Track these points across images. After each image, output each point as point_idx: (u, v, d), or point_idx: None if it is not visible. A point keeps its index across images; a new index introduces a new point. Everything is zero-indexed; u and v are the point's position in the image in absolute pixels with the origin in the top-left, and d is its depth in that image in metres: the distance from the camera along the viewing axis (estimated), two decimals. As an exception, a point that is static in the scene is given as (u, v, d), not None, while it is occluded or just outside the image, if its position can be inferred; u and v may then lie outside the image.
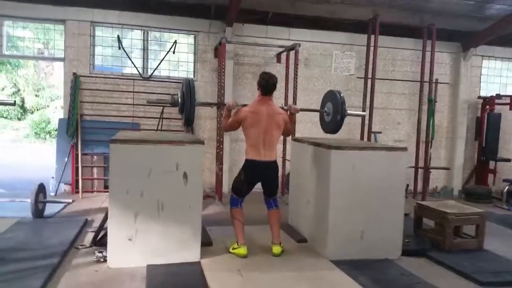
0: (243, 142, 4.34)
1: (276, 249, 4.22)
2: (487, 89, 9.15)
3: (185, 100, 4.08)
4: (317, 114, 7.91)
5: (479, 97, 8.88)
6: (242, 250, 4.14)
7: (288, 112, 4.49)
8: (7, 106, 15.75)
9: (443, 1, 7.30)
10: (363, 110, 7.85)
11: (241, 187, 4.30)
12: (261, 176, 4.30)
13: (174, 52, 7.47)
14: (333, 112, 4.67)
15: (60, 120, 7.35)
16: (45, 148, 14.77)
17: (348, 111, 4.63)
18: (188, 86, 4.10)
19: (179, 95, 4.27)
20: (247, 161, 4.27)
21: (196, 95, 7.43)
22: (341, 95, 4.61)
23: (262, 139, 4.17)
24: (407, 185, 7.89)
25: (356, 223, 4.27)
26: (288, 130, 4.48)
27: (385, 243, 4.34)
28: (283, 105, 5.57)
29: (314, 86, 8.16)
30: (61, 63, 7.40)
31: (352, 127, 8.31)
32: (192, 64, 7.83)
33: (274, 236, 4.30)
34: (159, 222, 3.89)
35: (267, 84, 4.21)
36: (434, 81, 8.17)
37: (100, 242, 4.31)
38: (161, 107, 7.30)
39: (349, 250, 4.24)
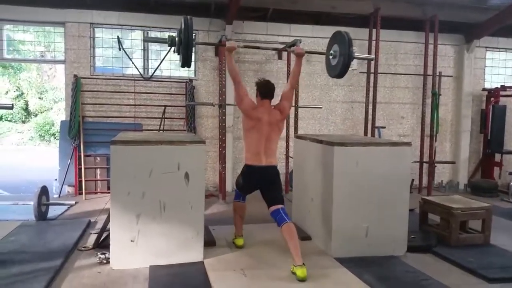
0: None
1: (301, 272, 3.55)
2: (492, 81, 9.05)
3: (183, 39, 3.76)
4: (320, 111, 7.99)
5: (484, 89, 8.79)
6: (238, 241, 4.37)
7: (295, 54, 4.25)
8: (6, 110, 15.86)
9: (445, -8, 7.23)
10: (366, 105, 7.79)
11: (241, 188, 4.27)
12: (261, 181, 4.02)
13: (174, 52, 7.42)
14: (339, 54, 4.26)
15: (62, 122, 7.35)
16: (50, 150, 14.82)
17: (356, 54, 4.31)
18: (186, 25, 3.78)
19: (176, 34, 3.98)
20: (246, 166, 4.08)
21: (198, 94, 7.56)
22: (349, 36, 4.20)
23: (263, 147, 3.99)
24: (412, 180, 7.82)
25: (360, 220, 4.22)
26: (295, 80, 4.27)
27: (390, 239, 4.29)
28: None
29: (316, 82, 8.10)
30: (63, 65, 7.38)
31: (355, 122, 8.26)
32: (193, 63, 7.78)
33: (295, 257, 3.65)
34: (161, 223, 3.87)
35: (265, 87, 4.12)
36: (437, 74, 8.08)
37: (103, 243, 4.30)
38: (163, 107, 7.28)
39: (353, 247, 4.20)
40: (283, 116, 4.15)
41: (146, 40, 4.50)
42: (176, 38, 3.93)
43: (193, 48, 4.04)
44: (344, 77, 8.00)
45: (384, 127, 8.12)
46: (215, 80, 7.60)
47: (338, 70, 4.30)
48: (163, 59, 7.44)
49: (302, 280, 3.54)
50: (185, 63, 3.99)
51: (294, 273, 3.64)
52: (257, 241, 4.48)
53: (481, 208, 4.80)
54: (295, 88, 4.41)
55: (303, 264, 3.61)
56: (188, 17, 3.89)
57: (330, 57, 4.43)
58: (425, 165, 8.11)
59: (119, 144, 3.86)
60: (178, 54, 3.98)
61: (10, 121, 19.07)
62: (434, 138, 8.08)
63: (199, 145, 4.03)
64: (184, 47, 3.82)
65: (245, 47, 6.62)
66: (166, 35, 7.78)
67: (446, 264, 4.16)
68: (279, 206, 3.91)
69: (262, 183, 4.04)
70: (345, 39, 4.16)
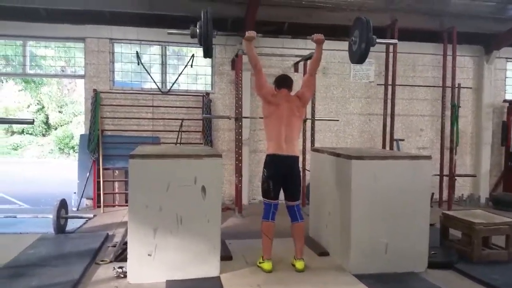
0: (262, 153, 4.31)
1: (300, 264, 4.09)
2: (513, 92, 8.89)
3: (203, 30, 4.02)
4: (336, 123, 7.94)
5: (505, 100, 8.63)
6: (266, 266, 4.07)
7: (314, 41, 4.28)
8: (27, 124, 16.28)
9: (462, 3, 7.16)
10: (384, 118, 7.71)
11: (268, 187, 4.12)
12: (283, 170, 4.10)
13: (192, 66, 7.54)
14: (359, 40, 4.25)
15: (82, 136, 7.47)
16: (69, 163, 15.07)
17: (377, 40, 4.23)
18: (206, 17, 4.01)
19: (197, 26, 4.18)
20: (268, 156, 4.14)
21: (214, 107, 7.61)
22: (369, 21, 4.14)
23: (283, 133, 4.08)
24: (432, 194, 7.67)
25: (379, 235, 4.14)
26: (316, 65, 4.30)
27: (410, 255, 4.19)
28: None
29: (332, 94, 8.07)
30: (83, 80, 7.53)
31: (373, 135, 8.18)
32: (210, 77, 7.87)
33: (297, 251, 4.15)
34: (178, 236, 3.86)
35: (279, 77, 4.36)
36: (456, 86, 7.96)
37: (121, 257, 4.31)
38: (180, 121, 7.34)
39: (372, 263, 4.11)
40: (303, 102, 4.26)
41: (170, 33, 4.86)
42: (197, 30, 4.13)
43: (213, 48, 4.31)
44: (361, 90, 7.98)
45: (403, 140, 8.02)
46: (231, 93, 7.64)
47: (358, 56, 4.33)
48: (180, 73, 7.58)
49: (300, 271, 4.06)
50: (206, 53, 4.18)
51: (293, 265, 4.13)
52: (274, 256, 4.41)
53: (504, 224, 4.65)
54: (314, 75, 4.41)
55: (302, 258, 4.12)
56: (208, 9, 4.14)
57: (352, 43, 4.43)
58: (445, 179, 7.95)
59: (137, 158, 3.89)
60: (201, 45, 4.18)
61: (31, 134, 19.54)
62: (454, 150, 7.92)
63: (216, 158, 4.04)
64: (205, 38, 4.03)
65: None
66: (184, 50, 7.92)
67: (469, 281, 4.03)
68: (295, 203, 4.20)
69: (285, 173, 4.12)
70: (364, 24, 4.14)
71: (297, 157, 4.20)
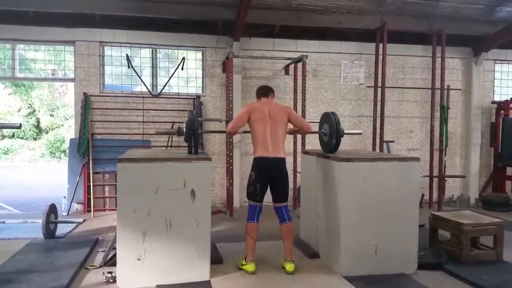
0: (252, 155, 4.30)
1: (290, 266, 4.12)
2: (501, 94, 8.98)
3: (189, 131, 4.18)
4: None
5: (493, 102, 8.71)
6: (250, 267, 4.11)
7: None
8: (14, 129, 16.12)
9: (451, 6, 7.22)
10: (374, 120, 7.77)
11: (255, 190, 4.18)
12: (270, 173, 4.18)
13: (182, 69, 7.54)
14: (329, 133, 4.63)
15: (72, 140, 7.42)
16: (60, 167, 14.96)
17: (345, 131, 4.62)
18: (191, 119, 4.16)
19: (184, 126, 4.34)
20: (255, 159, 4.22)
21: (205, 110, 7.61)
22: (335, 116, 4.57)
23: (269, 135, 4.17)
24: (422, 195, 7.73)
25: (369, 237, 4.15)
26: (302, 126, 4.47)
27: (400, 257, 4.22)
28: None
29: (323, 96, 8.11)
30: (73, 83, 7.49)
31: (363, 137, 8.21)
32: (201, 79, 7.87)
33: (287, 253, 4.20)
34: (167, 241, 3.85)
35: (261, 87, 4.53)
36: (445, 87, 8.03)
37: (110, 262, 4.28)
38: (171, 123, 7.32)
39: (362, 265, 4.12)
40: (288, 120, 4.33)
41: (158, 133, 5.27)
42: (184, 129, 4.30)
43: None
44: (351, 92, 8.05)
45: (392, 141, 8.07)
46: (222, 96, 7.65)
47: (330, 147, 4.63)
48: (171, 76, 7.57)
49: (290, 273, 4.09)
50: (191, 150, 4.32)
51: (284, 268, 4.16)
52: (264, 259, 4.42)
53: (492, 224, 4.70)
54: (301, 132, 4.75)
55: (293, 261, 4.16)
56: (194, 112, 4.54)
57: (322, 135, 4.77)
58: (435, 180, 8.02)
59: (125, 162, 3.88)
60: (186, 142, 4.36)
61: (22, 138, 19.36)
62: (444, 152, 7.99)
63: (205, 162, 4.03)
64: (190, 137, 4.22)
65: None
66: (175, 52, 7.91)
67: (458, 282, 4.05)
68: (283, 204, 4.26)
69: (271, 175, 4.19)
70: (332, 119, 4.53)
71: (284, 159, 4.25)
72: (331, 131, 4.57)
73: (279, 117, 4.24)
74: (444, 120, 7.97)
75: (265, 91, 4.46)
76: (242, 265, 4.18)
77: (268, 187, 4.24)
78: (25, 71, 8.32)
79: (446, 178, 8.01)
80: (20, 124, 3.34)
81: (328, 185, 4.46)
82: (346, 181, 4.15)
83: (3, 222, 6.18)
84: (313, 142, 7.91)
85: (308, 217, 5.17)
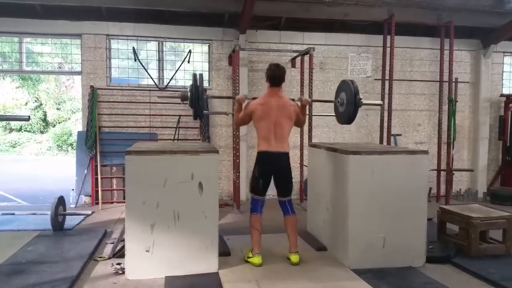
0: (258, 149, 4.31)
1: (295, 257, 4.14)
2: (510, 87, 8.88)
3: (194, 94, 4.09)
4: (334, 119, 7.89)
5: (502, 95, 8.63)
6: (257, 260, 4.10)
7: (300, 104, 4.46)
8: (22, 121, 16.22)
9: (460, -3, 7.14)
10: (382, 113, 7.72)
11: (258, 184, 4.22)
12: (274, 167, 4.19)
13: (189, 62, 7.52)
14: (346, 103, 4.50)
15: (79, 132, 7.45)
16: (67, 160, 15.06)
17: (363, 101, 4.48)
18: (195, 81, 4.08)
19: (188, 89, 4.29)
20: (259, 153, 4.23)
21: (212, 103, 7.59)
22: (355, 84, 4.47)
23: (273, 131, 4.14)
24: (430, 189, 7.69)
25: (377, 230, 4.14)
26: (300, 121, 4.45)
27: (408, 250, 4.20)
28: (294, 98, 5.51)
29: (330, 89, 8.05)
30: (80, 76, 7.51)
31: (370, 130, 8.18)
32: (207, 72, 7.85)
33: (291, 245, 4.21)
34: (175, 232, 3.86)
35: (274, 74, 4.22)
36: (454, 80, 7.96)
37: (119, 253, 4.32)
38: (178, 117, 7.33)
39: (370, 258, 4.12)
40: (293, 118, 4.27)
41: (160, 96, 5.18)
42: (188, 93, 4.27)
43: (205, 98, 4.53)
44: (358, 84, 7.98)
45: (400, 135, 8.02)
46: (228, 89, 7.63)
47: (346, 117, 4.59)
48: (177, 69, 7.55)
49: (295, 264, 4.10)
50: (197, 116, 4.33)
51: (288, 258, 4.17)
52: (271, 251, 4.43)
53: (501, 218, 4.66)
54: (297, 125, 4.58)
55: (297, 252, 4.17)
56: (198, 74, 4.39)
57: (338, 104, 4.66)
58: (442, 173, 7.97)
59: (133, 154, 3.89)
60: (191, 107, 4.31)
61: (29, 131, 19.48)
62: (452, 145, 7.94)
63: (213, 154, 4.03)
64: (195, 103, 4.19)
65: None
66: (181, 45, 7.89)
67: (466, 275, 4.04)
68: (286, 198, 4.28)
69: (275, 170, 4.20)
70: (351, 87, 4.43)
71: (287, 153, 4.24)
72: (348, 99, 4.41)
73: (286, 113, 4.20)
74: (452, 113, 7.91)
75: (277, 81, 4.23)
76: (248, 258, 4.18)
77: (272, 181, 4.27)
78: (32, 65, 8.36)
79: (453, 172, 7.97)
80: (29, 116, 3.37)
81: (336, 178, 4.45)
82: (354, 174, 4.13)
83: (13, 214, 6.24)
84: (319, 136, 7.90)
85: (315, 210, 5.16)
